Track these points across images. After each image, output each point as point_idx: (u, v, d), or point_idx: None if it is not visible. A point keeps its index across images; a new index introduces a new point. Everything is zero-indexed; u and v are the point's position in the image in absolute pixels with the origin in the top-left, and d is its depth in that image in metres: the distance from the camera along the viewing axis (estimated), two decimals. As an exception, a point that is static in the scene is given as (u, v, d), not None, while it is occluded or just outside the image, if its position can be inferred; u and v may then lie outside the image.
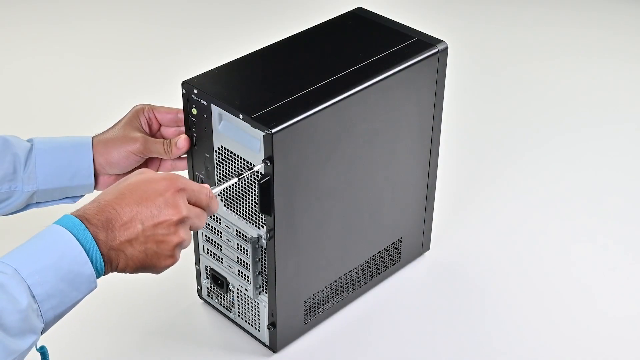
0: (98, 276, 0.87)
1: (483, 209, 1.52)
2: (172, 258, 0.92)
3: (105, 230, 0.86)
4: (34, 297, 0.82)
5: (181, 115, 1.18)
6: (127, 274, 0.92)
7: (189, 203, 0.93)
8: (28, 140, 1.16)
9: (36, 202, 1.17)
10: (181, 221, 0.91)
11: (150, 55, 2.01)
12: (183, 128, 1.18)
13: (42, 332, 0.85)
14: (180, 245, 0.92)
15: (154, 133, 1.20)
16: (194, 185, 0.94)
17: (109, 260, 0.88)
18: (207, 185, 0.97)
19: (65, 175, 1.15)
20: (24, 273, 0.82)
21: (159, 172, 0.96)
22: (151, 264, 0.90)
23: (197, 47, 2.03)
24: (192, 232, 0.95)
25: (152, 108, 1.19)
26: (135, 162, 1.17)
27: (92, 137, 1.18)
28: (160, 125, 1.20)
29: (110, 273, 0.90)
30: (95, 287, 0.87)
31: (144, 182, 0.90)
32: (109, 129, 1.18)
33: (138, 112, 1.18)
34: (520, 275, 1.37)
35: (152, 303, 1.31)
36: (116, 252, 0.88)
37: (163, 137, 1.20)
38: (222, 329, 1.26)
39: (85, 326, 1.26)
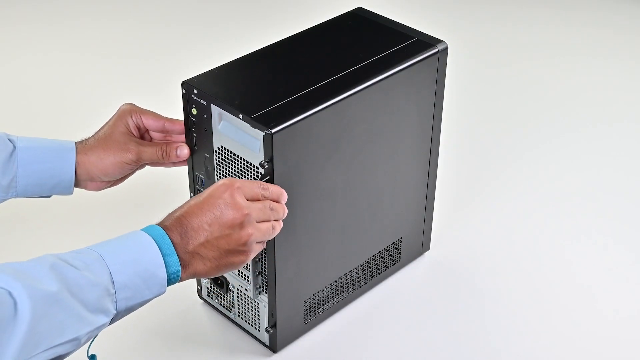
0: (171, 282, 0.96)
1: (483, 208, 1.52)
2: (245, 254, 1.00)
3: (180, 236, 0.96)
4: (113, 282, 0.90)
5: (169, 125, 1.18)
6: (209, 277, 1.02)
7: (247, 200, 1.00)
8: (10, 140, 1.15)
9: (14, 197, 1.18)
10: (244, 217, 0.98)
11: (150, 55, 2.01)
12: (171, 136, 1.19)
13: (111, 321, 0.92)
14: (249, 240, 0.99)
15: (142, 134, 1.20)
16: (247, 182, 1.02)
17: (186, 264, 0.97)
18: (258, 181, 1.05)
19: (46, 186, 1.17)
20: (108, 260, 0.90)
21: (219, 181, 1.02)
22: (227, 262, 0.99)
23: (197, 47, 2.03)
24: (270, 227, 1.03)
25: (140, 113, 1.18)
26: (130, 170, 1.19)
27: (81, 143, 1.18)
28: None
29: (192, 278, 1.01)
30: (164, 292, 0.96)
31: (207, 191, 1.00)
32: (99, 134, 1.18)
33: (125, 115, 1.18)
34: (520, 275, 1.37)
35: (152, 303, 1.30)
36: (191, 255, 0.97)
37: (152, 139, 1.20)
38: (222, 329, 1.26)
39: (85, 326, 1.27)
